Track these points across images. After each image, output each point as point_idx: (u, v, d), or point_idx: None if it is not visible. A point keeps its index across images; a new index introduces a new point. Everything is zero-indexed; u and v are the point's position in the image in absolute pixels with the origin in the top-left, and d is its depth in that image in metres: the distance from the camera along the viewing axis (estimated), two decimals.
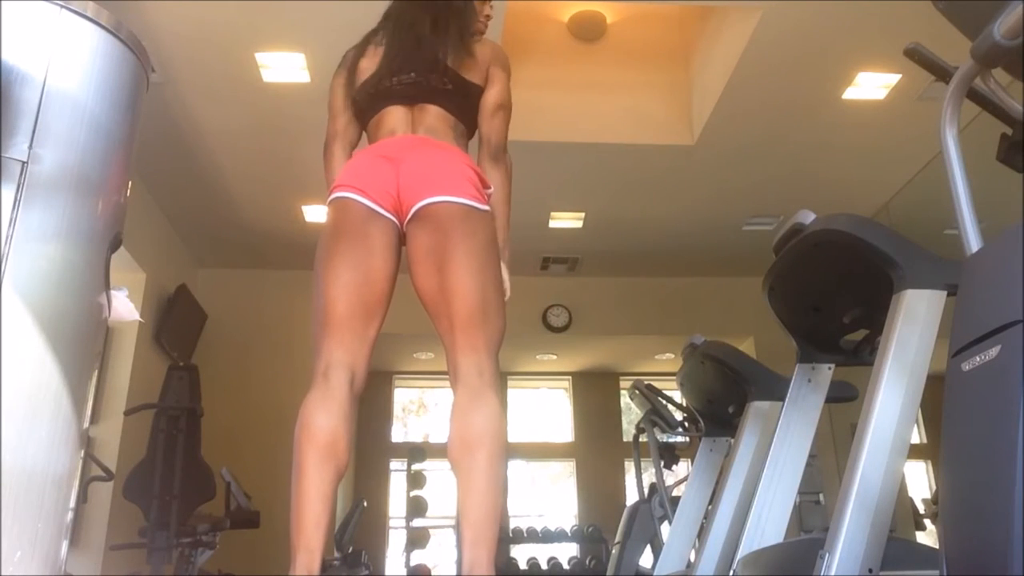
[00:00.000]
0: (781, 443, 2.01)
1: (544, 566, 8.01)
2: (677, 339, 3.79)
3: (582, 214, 6.41)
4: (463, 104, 2.00)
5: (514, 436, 9.25)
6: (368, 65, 2.04)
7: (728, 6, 4.46)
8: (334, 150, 2.06)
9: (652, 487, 4.48)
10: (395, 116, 1.97)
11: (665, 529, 3.83)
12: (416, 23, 2.04)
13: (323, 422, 1.64)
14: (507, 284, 1.94)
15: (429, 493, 7.78)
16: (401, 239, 1.84)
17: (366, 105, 2.02)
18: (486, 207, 1.83)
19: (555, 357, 8.91)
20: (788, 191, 5.93)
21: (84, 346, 1.75)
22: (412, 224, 1.80)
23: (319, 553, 1.56)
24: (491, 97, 2.02)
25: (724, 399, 2.74)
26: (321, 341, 1.75)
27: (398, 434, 9.43)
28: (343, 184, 1.83)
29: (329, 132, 2.10)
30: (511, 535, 8.19)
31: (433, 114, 1.96)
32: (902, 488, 6.38)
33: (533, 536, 8.20)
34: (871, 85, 4.78)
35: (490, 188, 1.91)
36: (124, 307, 2.03)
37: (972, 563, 0.94)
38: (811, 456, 2.13)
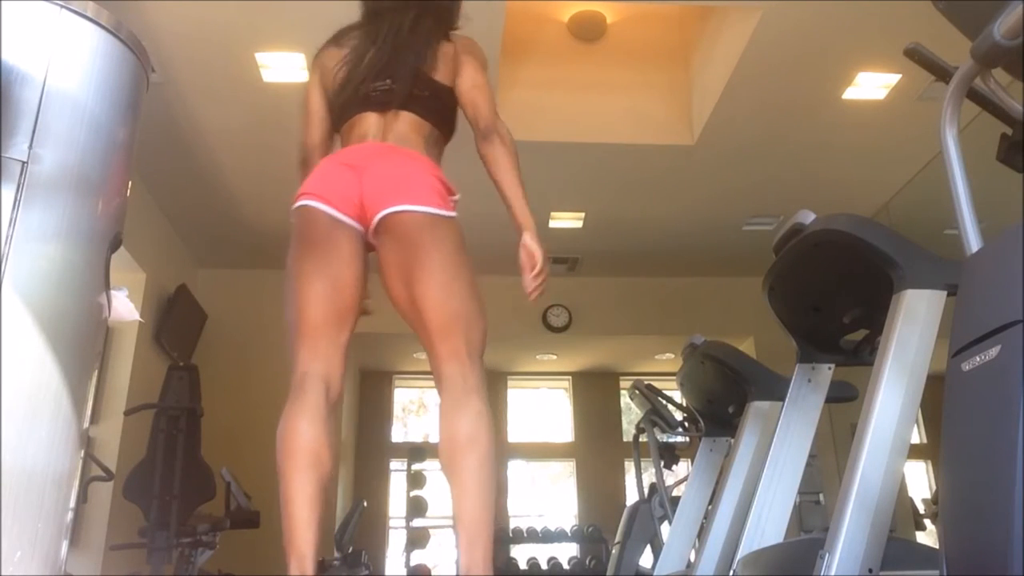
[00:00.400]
0: (781, 443, 2.01)
1: (544, 566, 8.01)
2: (677, 339, 3.79)
3: (582, 214, 6.41)
4: (438, 107, 1.99)
5: (514, 436, 9.25)
6: (345, 68, 2.02)
7: (728, 6, 4.46)
8: (312, 164, 2.01)
9: (652, 487, 4.48)
10: (368, 122, 1.96)
11: (665, 529, 3.83)
12: (395, 28, 2.02)
13: (304, 430, 1.68)
14: (539, 255, 1.87)
15: (429, 493, 7.79)
16: (367, 246, 1.86)
17: (341, 110, 2.02)
18: (452, 214, 1.83)
19: (555, 357, 8.91)
20: (788, 191, 5.92)
21: (84, 346, 1.75)
22: (378, 235, 1.81)
23: (311, 557, 1.60)
24: (462, 81, 1.99)
25: (724, 399, 2.74)
26: (296, 351, 1.80)
27: (398, 434, 9.42)
28: (307, 192, 1.84)
29: (307, 142, 2.07)
30: (511, 535, 8.19)
31: (406, 121, 1.95)
32: (902, 488, 6.37)
33: (533, 536, 8.20)
34: (871, 85, 4.78)
35: (456, 195, 1.89)
36: (124, 307, 2.03)
37: (972, 563, 0.94)
38: (811, 456, 2.13)
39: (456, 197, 1.89)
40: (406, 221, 1.77)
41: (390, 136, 1.93)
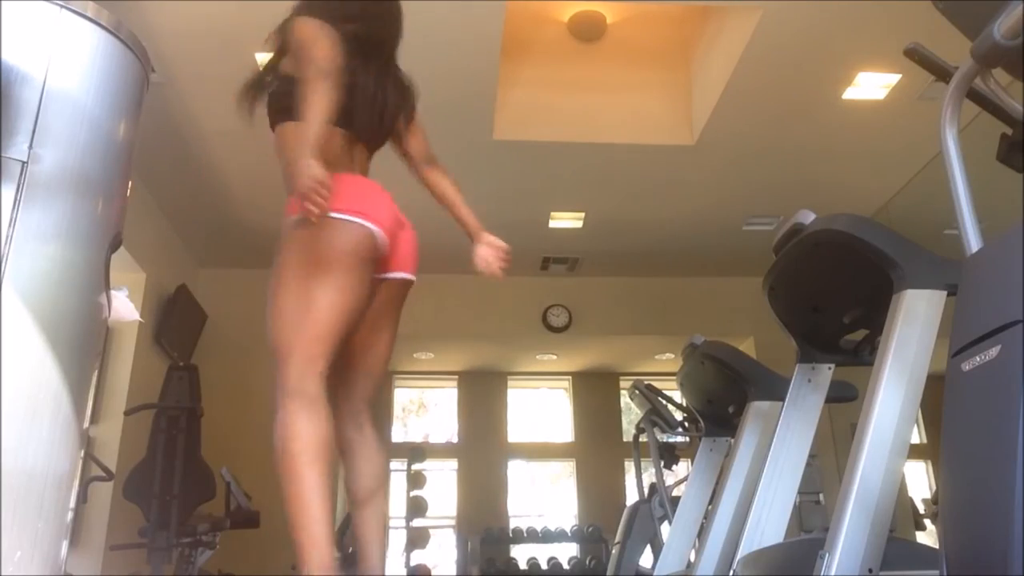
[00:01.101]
0: (781, 443, 2.01)
1: (544, 566, 8.01)
2: (677, 339, 3.79)
3: (582, 214, 6.41)
4: None
5: (514, 436, 9.25)
6: (356, 91, 1.99)
7: (728, 6, 4.46)
8: (336, 86, 1.82)
9: (652, 487, 4.48)
10: (364, 156, 2.09)
11: (665, 529, 3.83)
12: (385, 75, 2.13)
13: (314, 429, 1.77)
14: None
15: (429, 493, 7.78)
16: None
17: (357, 123, 2.04)
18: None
19: (555, 357, 8.91)
20: (788, 191, 5.92)
21: (84, 346, 1.75)
22: (383, 280, 2.01)
23: (329, 549, 1.72)
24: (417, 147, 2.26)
25: (724, 399, 2.74)
26: (305, 352, 1.81)
27: (398, 434, 9.42)
28: (371, 215, 1.90)
29: (335, 59, 1.84)
30: (511, 535, 8.18)
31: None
32: (902, 488, 6.37)
33: (533, 536, 8.20)
34: (871, 85, 4.78)
35: None
36: (124, 307, 2.04)
37: (972, 563, 0.94)
38: (811, 456, 2.13)
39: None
40: (405, 291, 2.06)
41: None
